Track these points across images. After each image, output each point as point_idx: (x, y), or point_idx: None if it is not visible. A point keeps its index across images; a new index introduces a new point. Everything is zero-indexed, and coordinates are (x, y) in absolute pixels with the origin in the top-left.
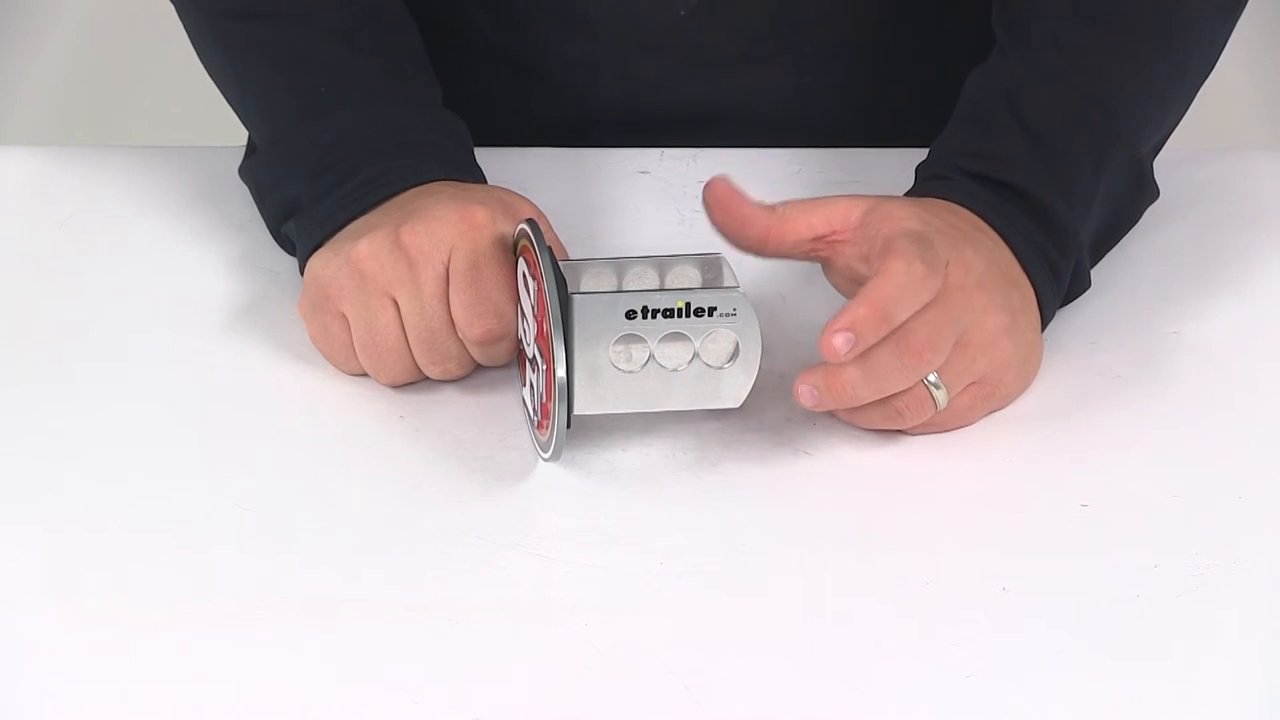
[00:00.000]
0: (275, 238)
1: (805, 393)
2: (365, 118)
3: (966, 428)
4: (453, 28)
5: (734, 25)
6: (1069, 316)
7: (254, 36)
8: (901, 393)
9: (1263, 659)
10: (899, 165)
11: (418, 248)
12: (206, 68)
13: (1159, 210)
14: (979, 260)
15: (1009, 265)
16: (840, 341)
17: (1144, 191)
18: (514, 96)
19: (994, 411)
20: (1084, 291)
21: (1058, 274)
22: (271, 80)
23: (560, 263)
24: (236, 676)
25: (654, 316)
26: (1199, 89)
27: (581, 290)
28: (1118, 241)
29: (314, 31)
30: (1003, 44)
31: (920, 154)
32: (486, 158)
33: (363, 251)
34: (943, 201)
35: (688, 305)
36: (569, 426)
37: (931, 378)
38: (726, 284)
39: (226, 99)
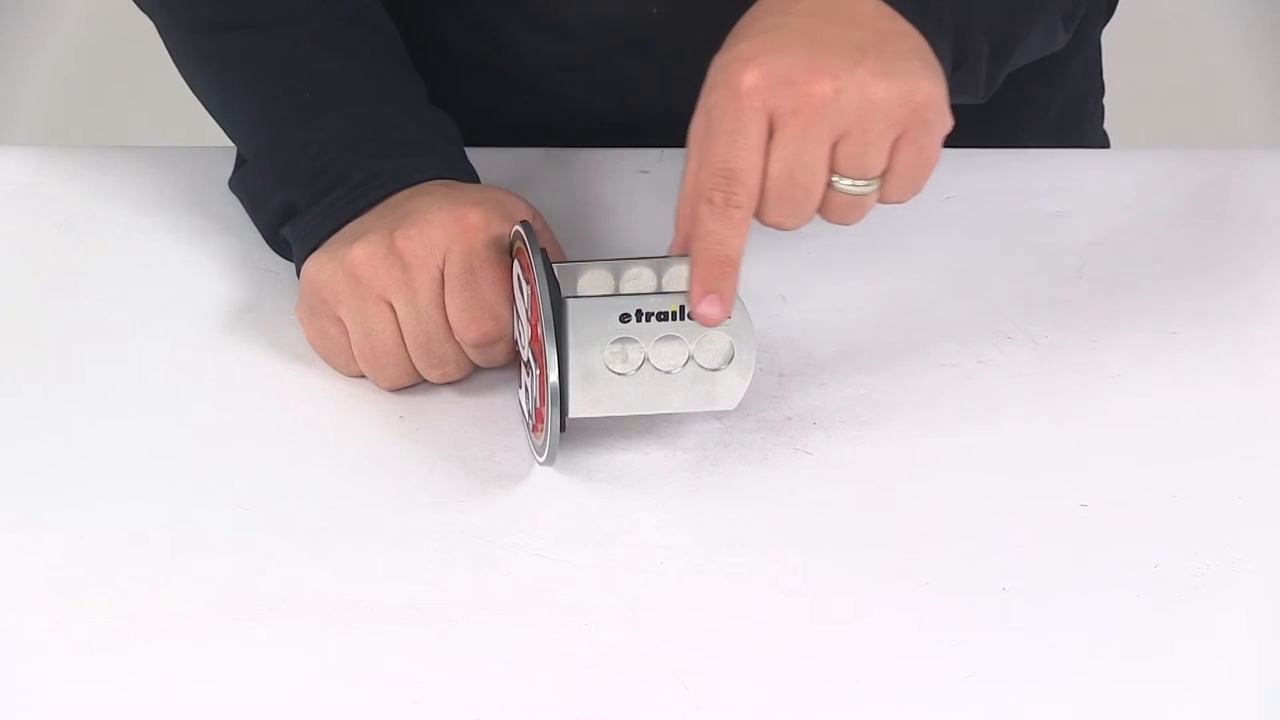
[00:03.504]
0: (271, 243)
1: (708, 308)
2: (353, 120)
3: (965, 428)
4: (424, 37)
5: (708, 23)
6: (1069, 315)
7: (235, 49)
8: (826, 213)
9: (1263, 659)
10: None
11: (412, 252)
12: (190, 84)
13: (1159, 210)
14: (795, 42)
15: (838, 9)
16: (710, 310)
17: None
18: (490, 102)
19: (945, 130)
20: (980, 52)
21: None
22: (256, 90)
23: (557, 264)
24: (237, 676)
25: (648, 319)
26: None
27: (578, 292)
28: (1015, 36)
29: (295, 38)
30: None
31: None
32: (486, 158)
33: (357, 256)
34: None
35: (681, 308)
36: (563, 430)
37: (844, 184)
38: None
39: (211, 113)
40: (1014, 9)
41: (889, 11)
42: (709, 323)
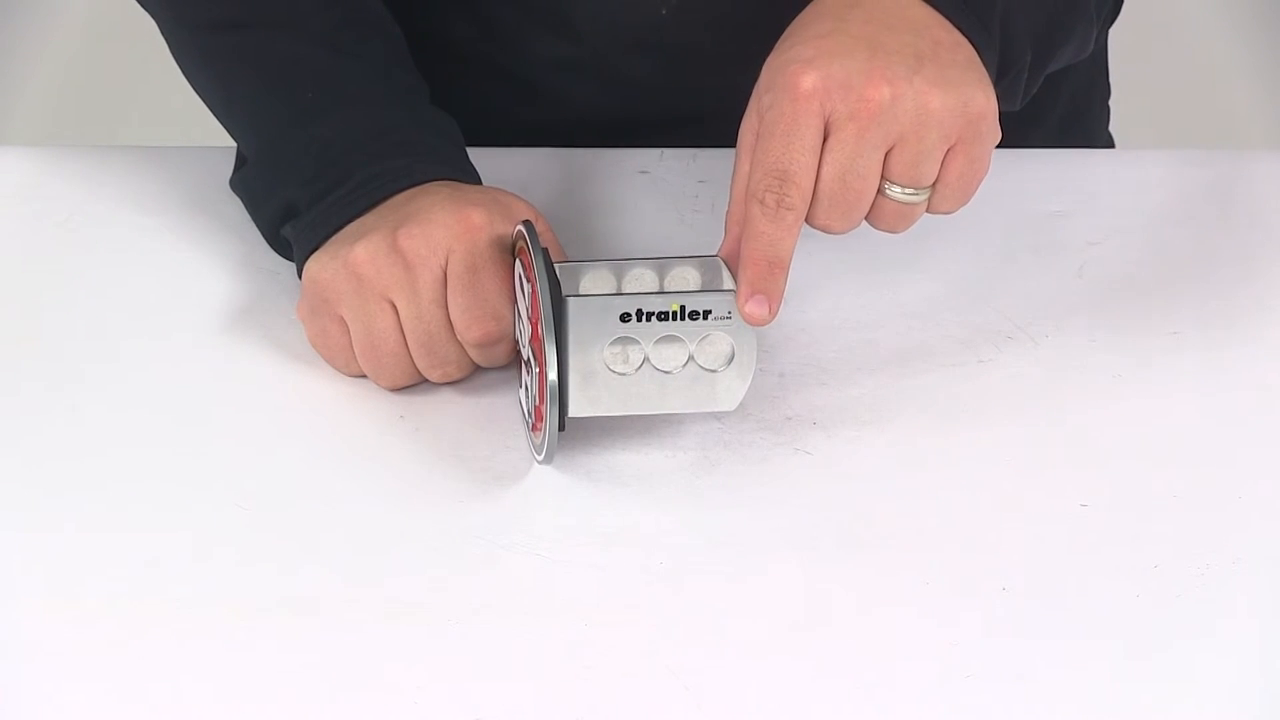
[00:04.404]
0: (271, 243)
1: (755, 308)
2: (355, 120)
3: (966, 428)
4: (432, 36)
5: (717, 23)
6: (1069, 315)
7: (238, 48)
8: (875, 220)
9: (1262, 659)
10: None
11: (414, 251)
12: (191, 82)
13: (1159, 210)
14: (854, 47)
15: (894, 16)
16: (757, 310)
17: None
18: (497, 102)
19: (995, 142)
20: (1023, 62)
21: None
22: (259, 89)
23: (558, 264)
24: (236, 677)
25: (649, 319)
26: None
27: (579, 292)
28: (1055, 43)
29: (298, 38)
30: None
31: None
32: (487, 158)
33: (360, 255)
34: None
35: (682, 308)
36: (562, 429)
37: (896, 191)
38: (725, 287)
39: (213, 112)
40: (1054, 17)
41: (944, 21)
42: (755, 323)
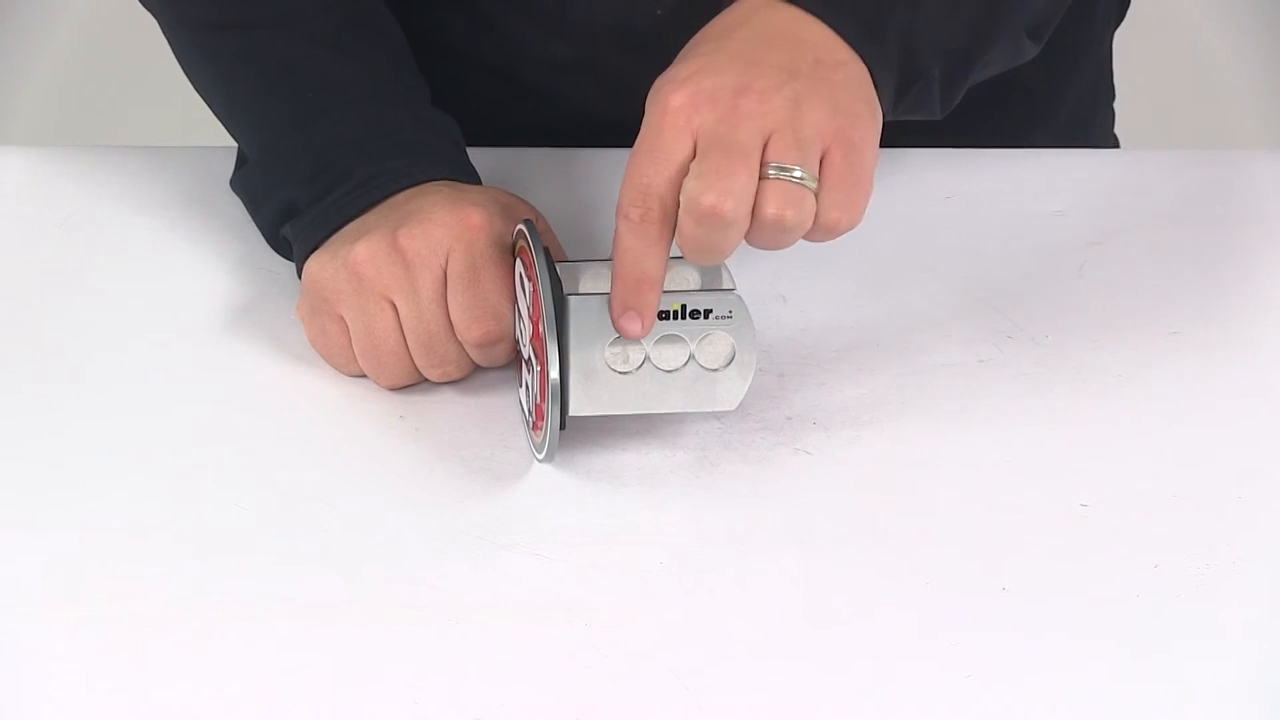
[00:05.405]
0: (271, 243)
1: (628, 324)
2: (356, 120)
3: (965, 428)
4: (431, 36)
5: None
6: (1069, 315)
7: (239, 48)
8: (763, 205)
9: (1263, 659)
10: (888, 165)
11: (415, 251)
12: (192, 82)
13: (1159, 210)
14: (728, 64)
15: (779, 34)
16: (629, 326)
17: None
18: (494, 102)
19: (873, 161)
20: (929, 74)
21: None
22: (259, 89)
23: (558, 264)
24: (236, 676)
25: None
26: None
27: (579, 291)
28: (973, 54)
29: (299, 38)
30: None
31: (907, 153)
32: (486, 158)
33: (360, 255)
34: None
35: (683, 308)
36: (563, 428)
37: (780, 174)
38: (724, 286)
39: (214, 112)
40: (972, 27)
41: (832, 38)
42: (630, 338)
